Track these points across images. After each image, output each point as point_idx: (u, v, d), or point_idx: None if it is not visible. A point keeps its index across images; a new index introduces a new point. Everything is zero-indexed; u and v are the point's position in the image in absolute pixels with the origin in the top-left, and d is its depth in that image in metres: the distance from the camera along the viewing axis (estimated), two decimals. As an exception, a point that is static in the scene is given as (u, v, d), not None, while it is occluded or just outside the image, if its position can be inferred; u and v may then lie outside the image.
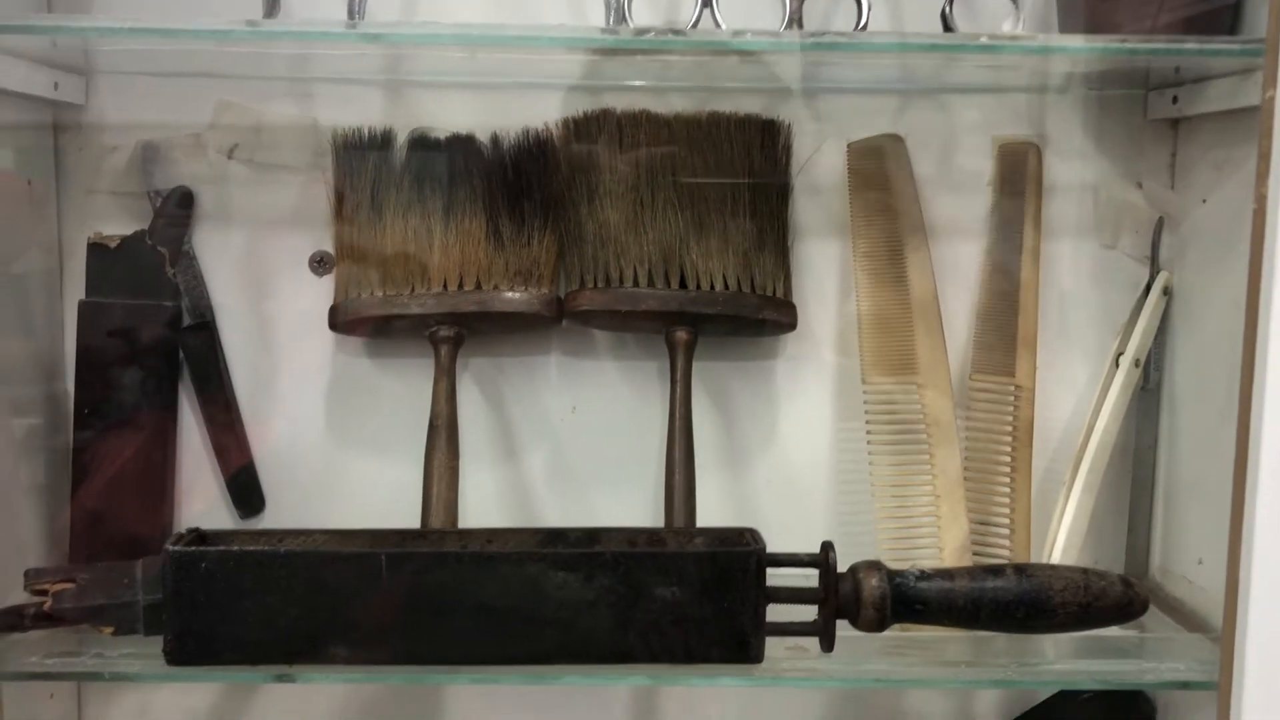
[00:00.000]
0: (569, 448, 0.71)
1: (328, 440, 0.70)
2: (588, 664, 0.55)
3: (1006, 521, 0.65)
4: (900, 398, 0.65)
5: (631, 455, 0.70)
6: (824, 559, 0.57)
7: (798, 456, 0.70)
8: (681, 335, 0.66)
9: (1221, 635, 0.54)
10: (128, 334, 0.67)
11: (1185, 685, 0.58)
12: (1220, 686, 0.54)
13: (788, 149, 0.68)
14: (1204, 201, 0.66)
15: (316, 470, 0.70)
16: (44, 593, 0.58)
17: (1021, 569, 0.58)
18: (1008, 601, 0.56)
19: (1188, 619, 0.64)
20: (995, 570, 0.57)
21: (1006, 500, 0.65)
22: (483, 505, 0.70)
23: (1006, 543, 0.65)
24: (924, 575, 0.57)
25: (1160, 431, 0.68)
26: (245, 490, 0.70)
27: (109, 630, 0.58)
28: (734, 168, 0.66)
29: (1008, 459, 0.65)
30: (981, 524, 0.65)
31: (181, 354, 0.69)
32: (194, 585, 0.54)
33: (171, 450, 0.69)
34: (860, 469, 0.67)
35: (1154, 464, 0.69)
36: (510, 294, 0.66)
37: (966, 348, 0.68)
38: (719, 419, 0.71)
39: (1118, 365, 0.67)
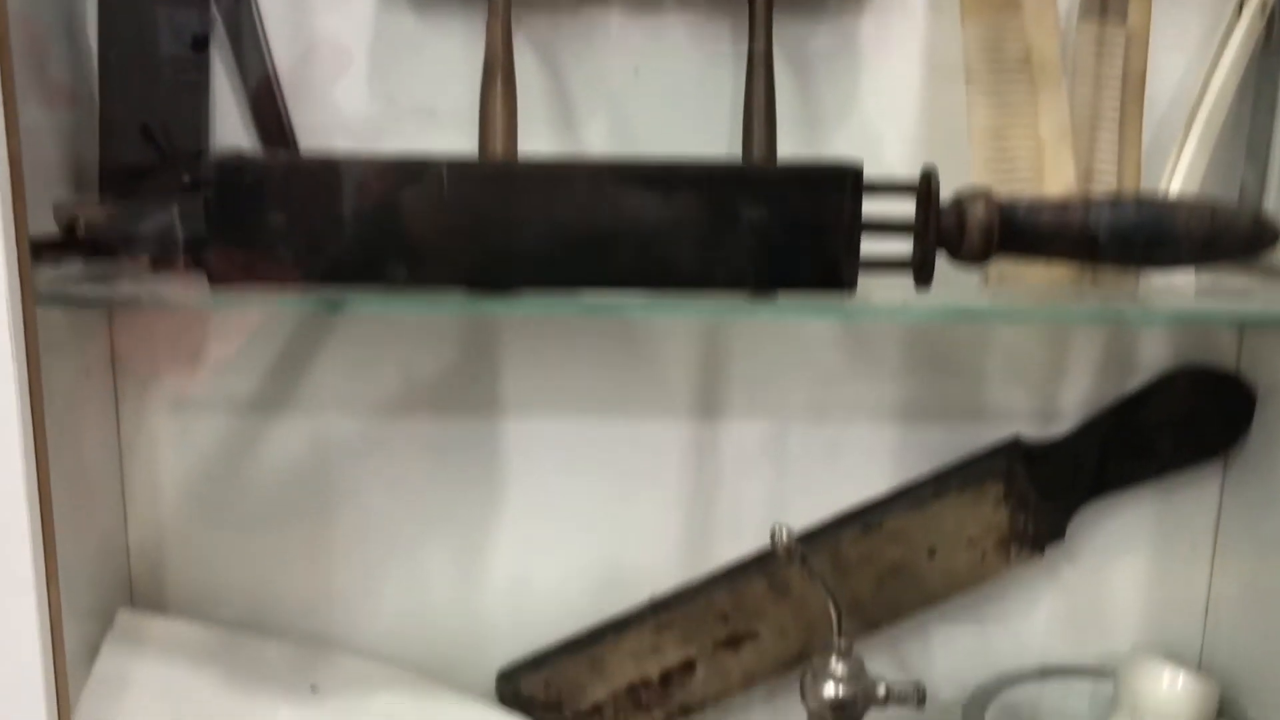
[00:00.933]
0: (632, 114, 0.65)
1: (370, 106, 0.65)
2: (664, 290, 0.51)
3: (1113, 175, 0.59)
4: (1003, 39, 0.59)
5: (700, 122, 0.65)
6: (925, 186, 0.52)
7: (883, 122, 0.64)
8: (760, -26, 0.59)
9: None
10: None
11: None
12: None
13: None
14: None
15: (360, 138, 0.65)
16: (75, 222, 0.53)
17: (1142, 199, 0.53)
18: (1127, 230, 0.51)
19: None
20: (1113, 200, 0.53)
21: (1114, 153, 0.60)
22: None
23: (1113, 200, 0.60)
24: (1035, 204, 0.52)
25: (1281, 90, 0.63)
26: (283, 159, 0.65)
27: (146, 261, 0.53)
28: None
29: (1116, 110, 0.60)
30: (1087, 178, 0.60)
31: (214, 10, 0.63)
32: (239, 199, 0.50)
33: (204, 111, 0.64)
34: (952, 134, 0.62)
35: (1272, 124, 0.63)
36: (571, -73, 0.60)
37: (1075, -11, 0.62)
38: (796, 84, 0.65)
39: (1239, 14, 0.60)
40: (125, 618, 0.65)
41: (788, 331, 0.68)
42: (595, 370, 0.68)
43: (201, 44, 0.63)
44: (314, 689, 0.64)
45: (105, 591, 0.68)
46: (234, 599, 0.70)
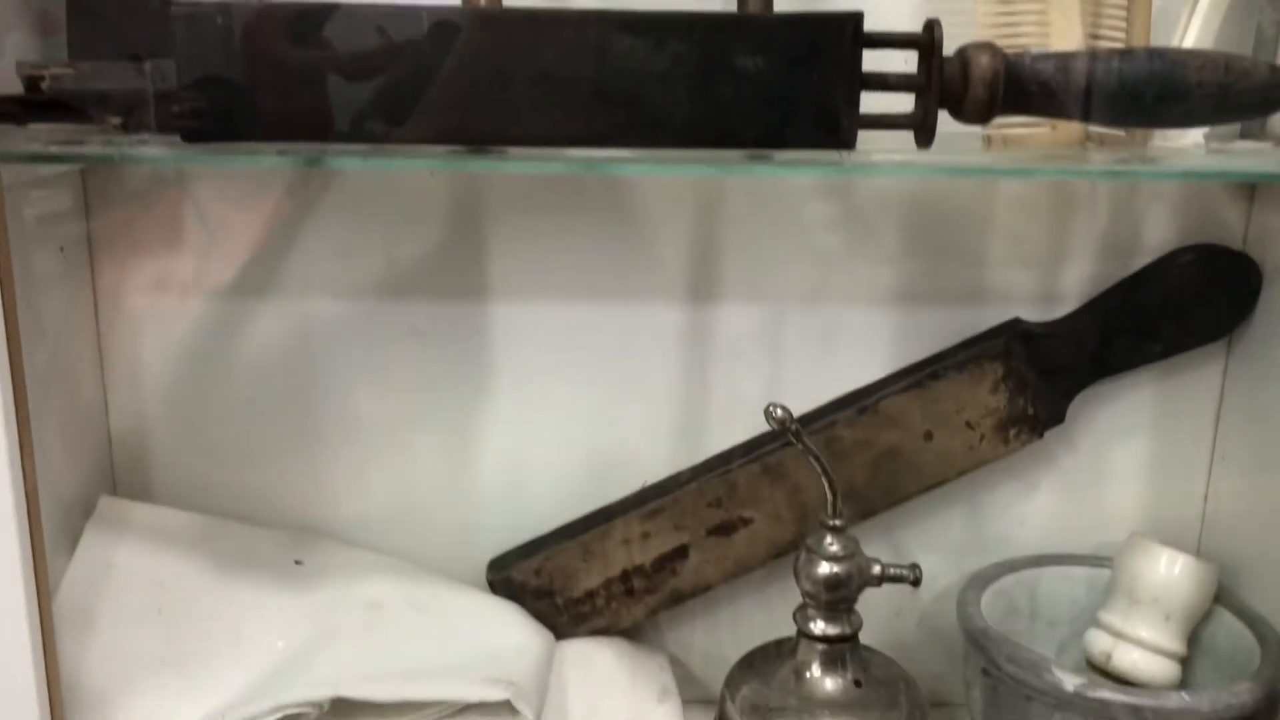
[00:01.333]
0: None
1: None
2: (655, 146, 0.49)
3: (1122, 37, 0.57)
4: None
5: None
6: (928, 37, 0.50)
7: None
8: None
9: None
10: None
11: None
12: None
13: None
14: None
15: None
16: (40, 80, 0.51)
17: (1152, 50, 0.51)
18: (1137, 81, 0.49)
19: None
20: (1123, 51, 0.50)
21: (1123, 13, 0.57)
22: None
23: (1120, 64, 0.58)
24: (1042, 55, 0.50)
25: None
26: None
27: (116, 121, 0.51)
28: None
29: (1126, -32, 0.57)
30: (1094, 38, 0.57)
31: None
32: (209, 50, 0.47)
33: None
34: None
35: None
36: None
37: None
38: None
39: None
40: (107, 503, 0.64)
41: (784, 213, 0.67)
42: (586, 253, 0.67)
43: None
44: (299, 563, 0.63)
45: (86, 480, 0.66)
46: (219, 488, 0.69)
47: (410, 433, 0.69)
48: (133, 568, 0.62)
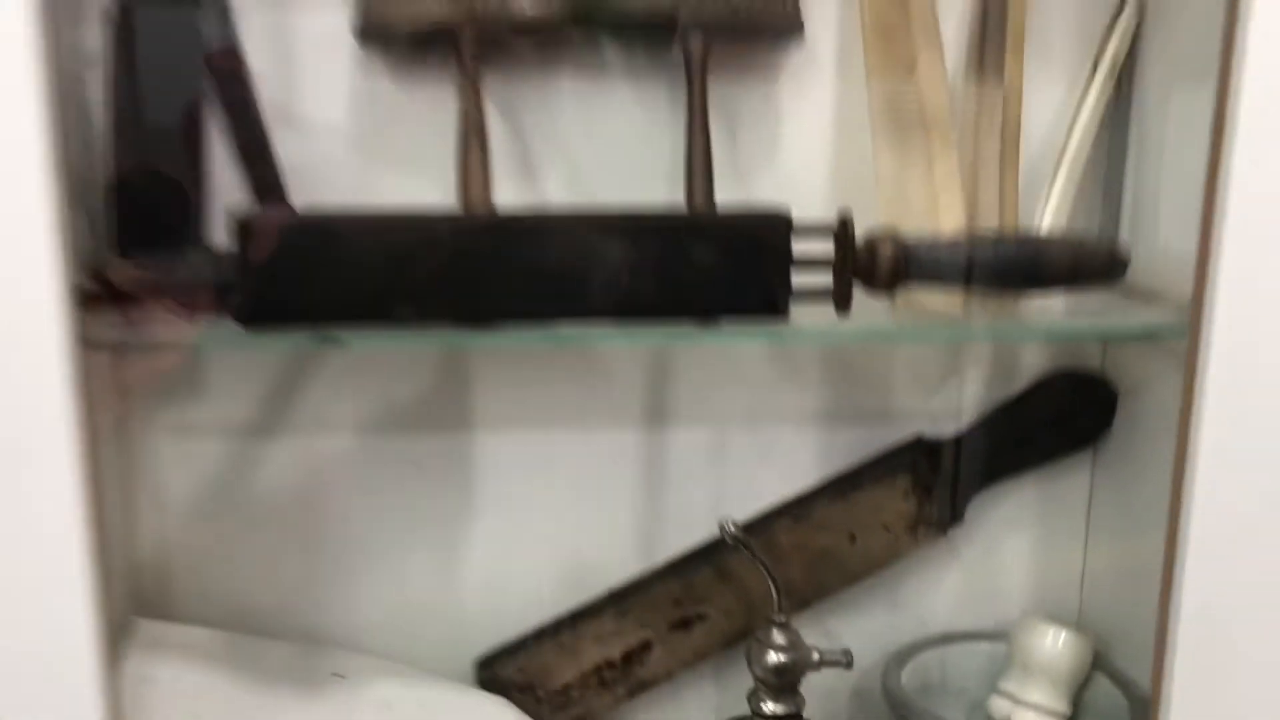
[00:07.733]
0: (584, 166, 0.75)
1: (356, 160, 0.73)
2: (626, 319, 0.60)
3: (996, 211, 0.71)
4: (902, 97, 0.70)
5: (642, 172, 0.74)
6: (843, 229, 0.63)
7: (802, 169, 0.75)
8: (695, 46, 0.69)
9: (1194, 287, 0.60)
10: (156, 44, 0.68)
11: (1155, 334, 0.66)
12: (1190, 331, 0.61)
13: None
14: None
15: (343, 191, 0.73)
16: (102, 274, 0.61)
17: (1019, 237, 0.64)
18: (1007, 263, 0.63)
19: (1153, 299, 0.72)
20: (996, 238, 0.64)
21: (996, 192, 0.71)
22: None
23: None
24: (933, 243, 0.63)
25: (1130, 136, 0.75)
26: (275, 209, 0.72)
27: (172, 304, 0.61)
28: None
29: (997, 155, 0.71)
30: (974, 214, 0.71)
31: (208, 75, 0.70)
32: (269, 253, 0.58)
33: (203, 172, 0.71)
34: (859, 179, 0.72)
35: (1123, 167, 0.75)
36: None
37: (961, 51, 0.73)
38: (726, 138, 0.75)
39: (1094, 75, 0.73)
40: (144, 626, 0.72)
41: (724, 351, 0.79)
42: (556, 388, 0.77)
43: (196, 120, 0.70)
44: (337, 676, 0.72)
45: (120, 603, 0.74)
46: (232, 606, 0.78)
47: (404, 551, 0.79)
48: (170, 685, 0.70)
